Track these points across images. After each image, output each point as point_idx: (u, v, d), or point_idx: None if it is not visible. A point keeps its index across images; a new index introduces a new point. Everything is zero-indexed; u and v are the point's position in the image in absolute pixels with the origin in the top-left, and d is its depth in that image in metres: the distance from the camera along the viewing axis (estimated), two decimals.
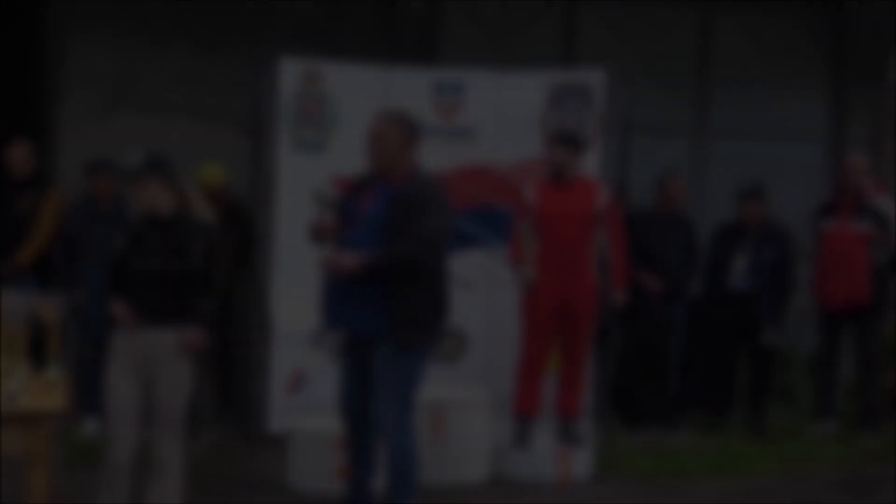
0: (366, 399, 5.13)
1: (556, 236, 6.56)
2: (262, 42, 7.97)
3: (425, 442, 6.13)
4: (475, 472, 6.27)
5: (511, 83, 7.39)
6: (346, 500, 5.40)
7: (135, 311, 4.76)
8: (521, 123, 7.28)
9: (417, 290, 4.99)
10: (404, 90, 7.30)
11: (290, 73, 7.19)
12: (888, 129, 9.35)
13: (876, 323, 8.03)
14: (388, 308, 4.96)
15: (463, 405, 6.25)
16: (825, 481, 6.79)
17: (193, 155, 7.81)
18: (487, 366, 7.23)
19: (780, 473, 6.91)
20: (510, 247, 6.81)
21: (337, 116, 7.26)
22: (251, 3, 8.10)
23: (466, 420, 6.16)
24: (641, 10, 9.06)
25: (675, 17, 9.13)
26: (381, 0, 8.39)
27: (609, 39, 8.97)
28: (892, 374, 8.33)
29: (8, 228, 7.39)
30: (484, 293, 7.32)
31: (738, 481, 6.71)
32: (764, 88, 9.25)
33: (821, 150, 9.37)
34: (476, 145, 7.32)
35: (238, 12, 8.08)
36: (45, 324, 5.05)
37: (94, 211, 7.08)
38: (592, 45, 8.91)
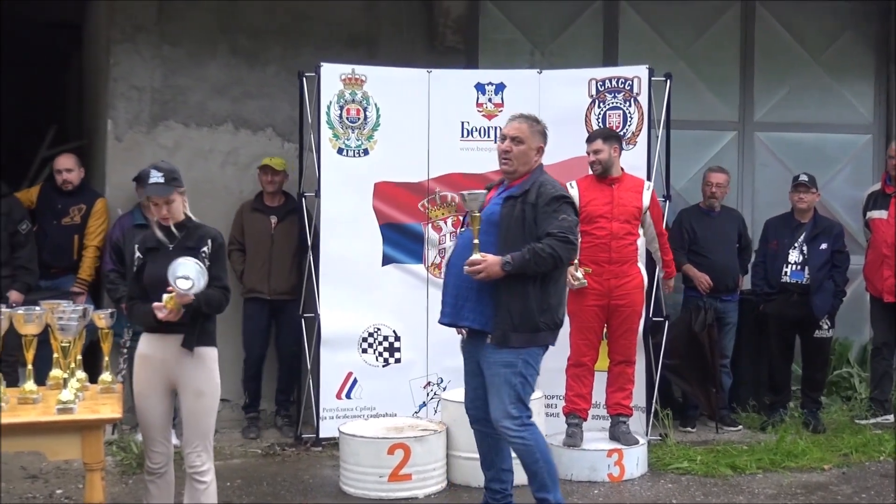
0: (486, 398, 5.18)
1: (602, 233, 6.55)
2: (303, 49, 8.03)
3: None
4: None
5: (553, 81, 7.36)
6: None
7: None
8: (564, 122, 7.24)
9: (530, 286, 4.99)
10: (446, 92, 7.31)
11: (332, 78, 7.22)
12: None
13: None
14: (498, 304, 5.00)
15: None
16: (882, 475, 6.69)
17: (239, 164, 7.91)
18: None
19: (837, 468, 6.83)
20: None
21: (379, 120, 7.27)
22: (291, 10, 8.13)
23: None
24: (683, 4, 8.99)
25: (716, 9, 9.05)
26: (420, 2, 8.38)
27: (651, 35, 8.91)
28: None
29: (57, 238, 7.50)
30: None
31: (793, 477, 6.64)
32: (810, 78, 9.15)
33: (869, 139, 9.25)
34: None
35: (279, 20, 8.12)
36: (99, 333, 5.09)
37: (142, 220, 7.14)
38: (634, 42, 8.85)
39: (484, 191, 5.19)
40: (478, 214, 5.00)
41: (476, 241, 4.97)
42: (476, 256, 4.96)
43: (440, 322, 5.37)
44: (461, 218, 7.23)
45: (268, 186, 7.57)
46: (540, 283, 5.02)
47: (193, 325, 4.76)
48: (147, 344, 4.84)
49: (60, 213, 7.53)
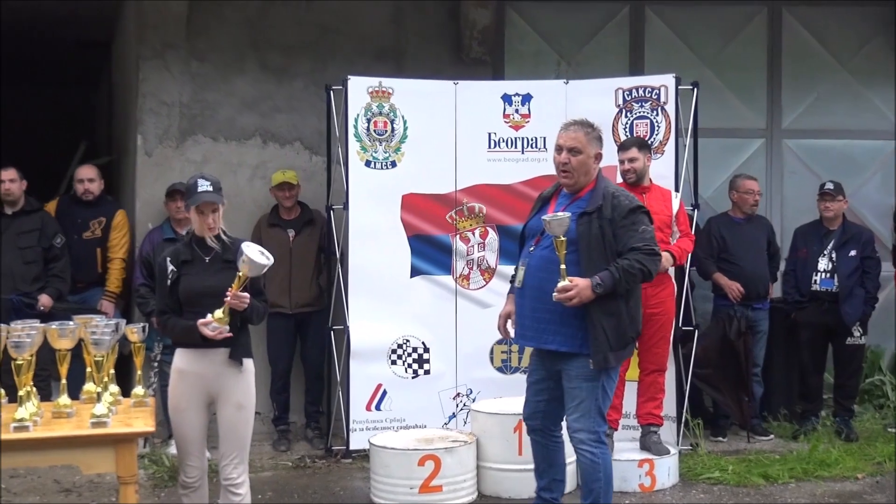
0: (553, 414, 5.16)
1: None
2: (331, 62, 8.08)
3: (509, 455, 6.16)
4: None
5: (580, 92, 7.36)
6: None
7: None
8: None
9: (621, 304, 4.93)
10: (472, 103, 7.33)
11: (359, 91, 7.26)
12: None
13: None
14: (592, 326, 4.90)
15: None
16: None
17: (267, 178, 7.95)
18: None
19: (870, 477, 6.77)
20: None
21: (406, 132, 7.30)
22: (319, 25, 8.19)
23: None
24: (708, 12, 8.97)
25: (743, 16, 9.03)
26: (445, 14, 8.42)
27: (677, 43, 8.90)
28: None
29: (81, 253, 7.58)
30: None
31: (826, 486, 6.59)
32: (838, 84, 9.10)
33: None
34: (546, 155, 7.29)
35: (306, 35, 8.18)
36: (131, 347, 5.14)
37: (172, 234, 7.20)
38: (660, 50, 8.84)
39: (568, 214, 4.90)
40: (563, 239, 4.83)
41: (563, 266, 4.84)
42: (565, 283, 4.83)
43: (519, 342, 5.37)
44: (487, 229, 7.28)
45: (286, 202, 7.59)
46: (626, 298, 4.96)
47: (238, 338, 4.81)
48: (184, 359, 4.85)
49: (81, 227, 7.62)
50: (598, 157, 5.16)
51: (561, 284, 4.84)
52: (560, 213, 4.93)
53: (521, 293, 5.12)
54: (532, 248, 5.12)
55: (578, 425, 5.01)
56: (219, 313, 4.69)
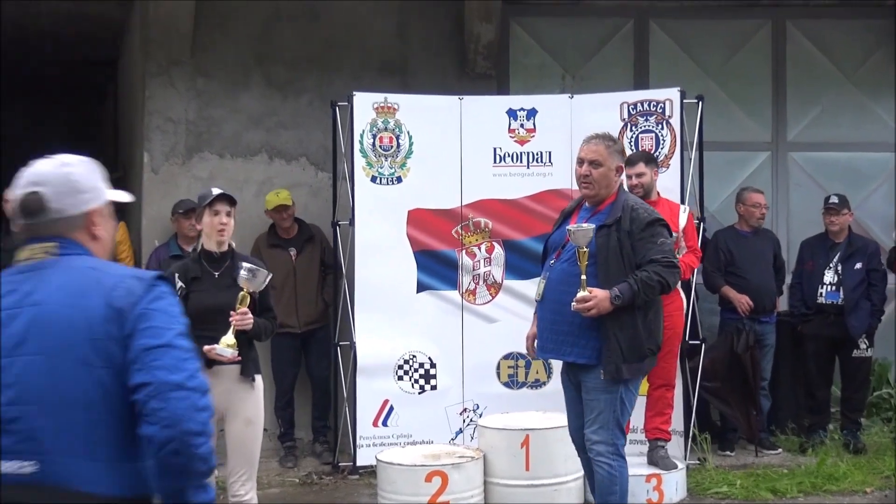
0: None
1: None
2: (337, 78, 8.10)
3: (516, 470, 6.15)
4: (567, 498, 6.22)
5: (585, 106, 7.37)
6: None
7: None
8: None
9: (638, 316, 4.94)
10: (477, 118, 7.34)
11: (364, 106, 7.27)
12: None
13: None
14: (607, 338, 4.91)
15: (551, 431, 6.20)
16: None
17: None
18: None
19: (879, 490, 6.75)
20: None
21: (411, 147, 7.31)
22: (324, 40, 8.22)
23: (555, 446, 6.12)
24: (713, 26, 8.99)
25: (747, 29, 9.04)
26: (450, 29, 8.44)
27: (682, 56, 8.91)
28: None
29: None
30: None
31: (835, 500, 6.58)
32: (843, 97, 9.10)
33: None
34: (552, 169, 7.31)
35: (312, 51, 8.20)
36: None
37: (178, 251, 7.21)
38: (665, 64, 8.85)
39: (592, 226, 4.92)
40: (585, 250, 4.84)
41: (584, 276, 4.85)
42: (584, 293, 4.84)
43: (539, 355, 5.38)
44: (493, 243, 7.27)
45: (284, 223, 7.57)
46: (644, 311, 4.96)
47: (247, 355, 4.83)
48: None
49: None
50: (619, 169, 5.19)
51: (580, 294, 4.85)
52: (584, 224, 4.96)
53: (542, 306, 5.15)
54: (553, 262, 5.15)
55: (596, 437, 5.01)
56: (228, 338, 4.70)
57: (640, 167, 6.62)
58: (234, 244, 5.00)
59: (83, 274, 2.49)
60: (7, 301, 2.46)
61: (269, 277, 4.91)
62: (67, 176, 2.57)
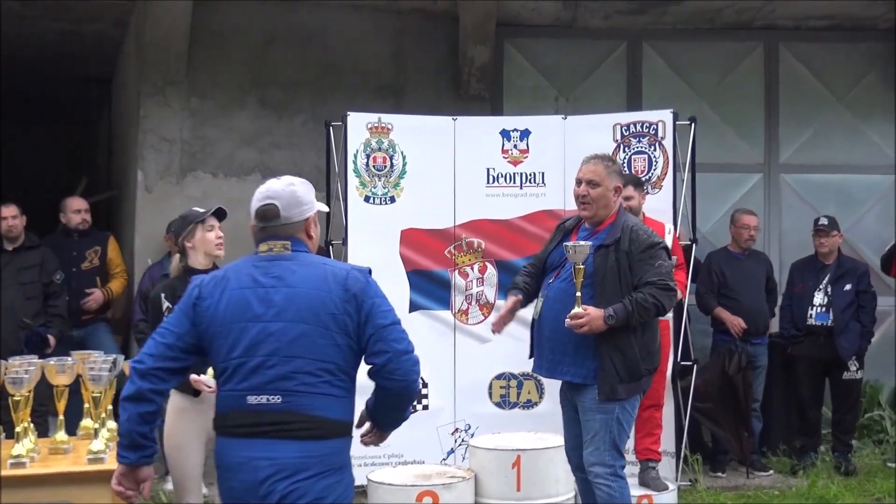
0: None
1: None
2: (331, 99, 8.13)
3: (507, 491, 6.13)
4: None
5: (578, 127, 7.40)
6: None
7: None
8: None
9: (633, 337, 4.96)
10: (471, 139, 7.37)
11: (358, 127, 7.29)
12: None
13: None
14: (602, 357, 4.93)
15: (543, 452, 6.20)
16: None
17: None
18: None
19: None
20: None
21: (405, 168, 7.33)
22: (319, 62, 8.26)
23: (547, 467, 6.12)
24: (706, 48, 9.04)
25: (739, 52, 9.10)
26: (445, 51, 8.49)
27: (674, 78, 8.97)
28: None
29: (82, 285, 7.62)
30: None
31: None
32: (835, 119, 9.15)
33: (895, 180, 9.19)
34: (545, 190, 7.33)
35: (306, 72, 8.24)
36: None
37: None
38: (658, 85, 8.91)
39: (590, 243, 4.99)
40: (582, 267, 4.88)
41: (578, 293, 4.89)
42: (578, 310, 4.87)
43: (536, 372, 5.39)
44: (486, 264, 7.28)
45: None
46: (641, 332, 4.98)
47: None
48: (184, 398, 4.80)
49: (77, 259, 7.65)
50: (618, 190, 5.20)
51: (573, 311, 4.88)
52: (582, 242, 4.99)
53: (539, 325, 5.16)
54: (551, 281, 5.16)
55: (593, 459, 5.01)
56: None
57: (629, 190, 6.62)
58: (217, 265, 5.00)
59: (319, 267, 3.51)
60: (265, 280, 3.44)
61: None
62: (293, 192, 3.61)
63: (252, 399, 3.37)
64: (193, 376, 4.64)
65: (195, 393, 4.71)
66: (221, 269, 3.65)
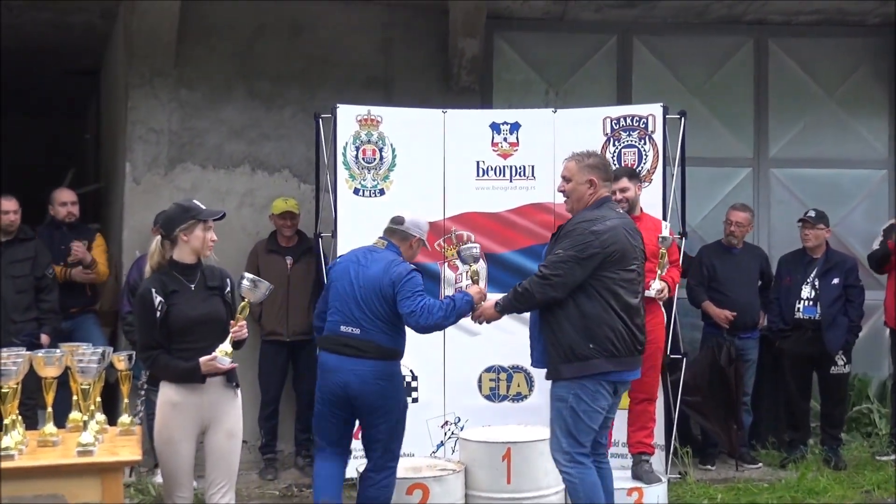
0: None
1: None
2: (320, 91, 8.10)
3: (497, 483, 6.14)
4: None
5: (568, 120, 7.39)
6: None
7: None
8: None
9: (558, 320, 5.08)
10: (461, 132, 7.35)
11: (348, 119, 7.27)
12: None
13: None
14: (546, 340, 5.16)
15: (533, 444, 6.20)
16: None
17: (255, 205, 7.96)
18: None
19: None
20: None
21: (395, 160, 7.31)
22: (308, 53, 8.23)
23: (537, 459, 6.11)
24: (696, 43, 9.04)
25: (729, 46, 9.10)
26: (434, 44, 8.46)
27: (664, 73, 8.96)
28: None
29: (70, 279, 7.56)
30: None
31: None
32: (824, 114, 9.17)
33: (884, 175, 9.22)
34: (535, 183, 7.32)
35: (296, 63, 8.21)
36: (118, 376, 5.10)
37: None
38: (648, 80, 8.90)
39: (477, 245, 5.73)
40: (475, 267, 5.49)
41: (476, 289, 5.45)
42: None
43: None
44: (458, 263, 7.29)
45: (286, 231, 7.61)
46: (576, 312, 5.05)
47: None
48: (178, 391, 4.79)
49: (65, 253, 7.57)
50: (591, 182, 5.25)
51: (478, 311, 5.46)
52: (470, 244, 5.74)
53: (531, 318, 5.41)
54: None
55: (552, 446, 5.20)
56: (226, 347, 4.77)
57: (624, 182, 6.64)
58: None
59: (386, 262, 5.46)
60: (363, 260, 5.55)
61: (270, 290, 5.01)
62: (418, 220, 5.71)
63: (343, 328, 5.43)
64: (205, 357, 4.71)
65: (202, 378, 4.74)
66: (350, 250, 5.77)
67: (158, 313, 4.75)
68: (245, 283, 4.86)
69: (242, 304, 4.88)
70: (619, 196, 6.62)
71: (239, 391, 4.95)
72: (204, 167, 8.03)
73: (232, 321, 4.86)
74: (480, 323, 5.53)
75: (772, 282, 8.06)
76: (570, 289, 5.06)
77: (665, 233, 6.77)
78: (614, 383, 5.17)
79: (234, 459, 4.90)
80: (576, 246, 5.06)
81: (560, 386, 5.11)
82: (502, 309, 5.31)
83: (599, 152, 7.22)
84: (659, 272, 6.23)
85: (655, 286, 6.49)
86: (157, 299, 4.76)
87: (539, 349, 5.25)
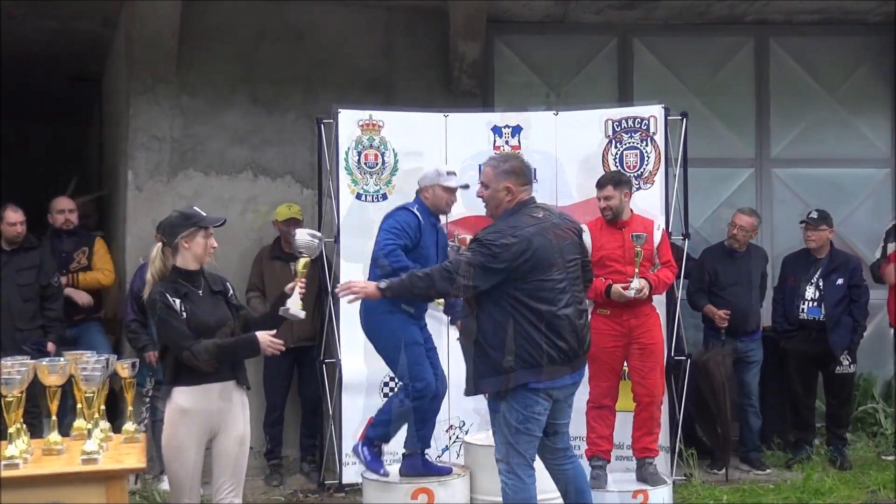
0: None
1: (618, 277, 6.47)
2: (322, 95, 8.11)
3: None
4: None
5: (569, 122, 7.38)
6: None
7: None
8: (581, 162, 7.28)
9: (474, 334, 5.02)
10: (462, 135, 7.34)
11: (349, 123, 7.27)
12: None
13: None
14: (465, 357, 5.13)
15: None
16: None
17: (258, 211, 7.97)
18: None
19: None
20: None
21: (396, 164, 7.31)
22: (310, 58, 8.24)
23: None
24: (696, 43, 9.04)
25: (730, 47, 9.10)
26: (435, 47, 8.47)
27: (665, 73, 8.96)
28: None
29: (71, 282, 7.57)
30: None
31: None
32: (826, 113, 9.16)
33: (887, 173, 9.21)
34: (536, 186, 7.29)
35: (297, 68, 8.22)
36: (122, 383, 5.11)
37: None
38: (649, 81, 8.90)
39: (312, 235, 5.21)
40: (308, 258, 5.12)
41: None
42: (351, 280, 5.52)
43: None
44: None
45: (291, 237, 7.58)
46: (494, 327, 4.96)
47: (240, 365, 4.88)
48: (188, 397, 4.75)
49: (66, 260, 7.58)
50: (508, 189, 5.16)
51: (343, 283, 5.48)
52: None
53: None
54: None
55: (495, 452, 5.13)
56: (296, 300, 4.95)
57: (608, 190, 6.58)
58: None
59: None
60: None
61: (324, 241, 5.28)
62: (426, 173, 6.35)
63: None
64: (265, 336, 4.76)
65: (258, 351, 4.81)
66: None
67: (185, 314, 4.72)
68: (304, 238, 5.02)
69: (305, 260, 5.03)
70: (602, 204, 6.58)
71: (246, 397, 4.94)
72: (206, 174, 8.04)
73: (295, 279, 4.99)
74: (344, 297, 5.35)
75: (765, 283, 8.00)
76: (472, 293, 5.00)
77: (657, 233, 6.72)
78: (547, 391, 5.01)
79: (242, 464, 4.90)
80: (486, 255, 4.97)
81: (492, 399, 5.07)
82: (389, 291, 5.12)
83: (601, 154, 7.28)
84: (636, 270, 6.20)
85: (634, 285, 6.41)
86: (177, 301, 4.75)
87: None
